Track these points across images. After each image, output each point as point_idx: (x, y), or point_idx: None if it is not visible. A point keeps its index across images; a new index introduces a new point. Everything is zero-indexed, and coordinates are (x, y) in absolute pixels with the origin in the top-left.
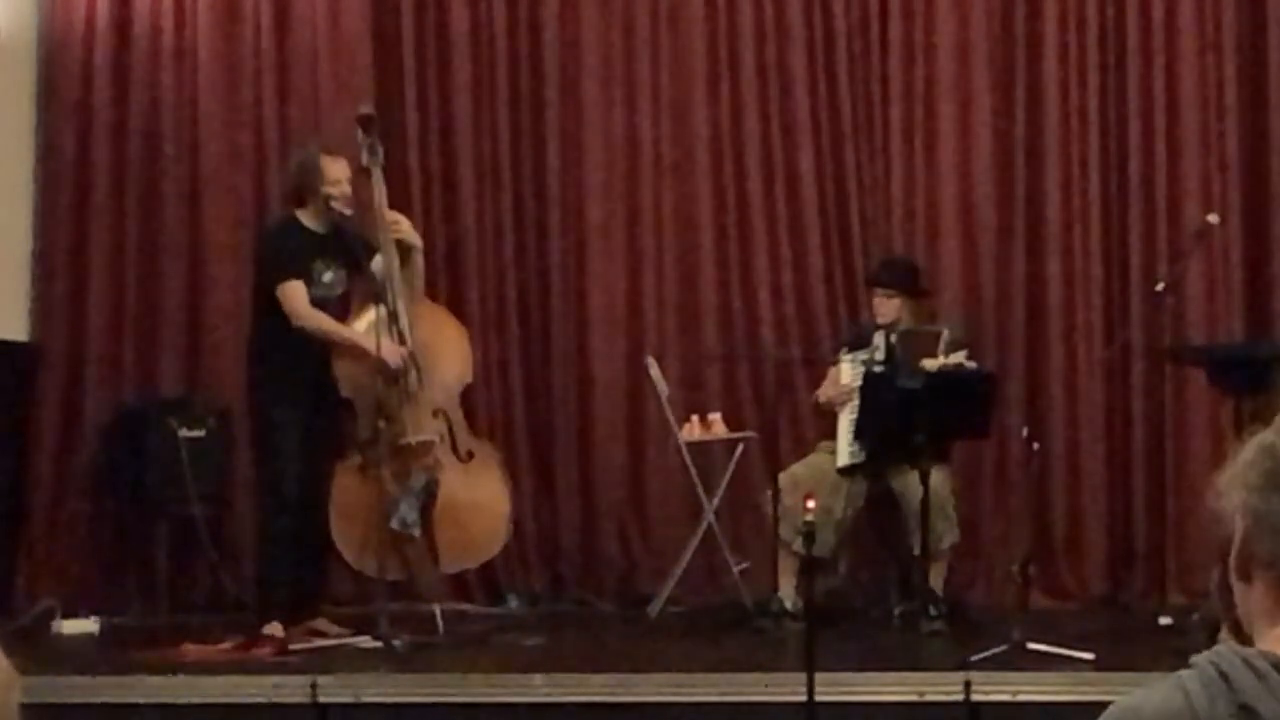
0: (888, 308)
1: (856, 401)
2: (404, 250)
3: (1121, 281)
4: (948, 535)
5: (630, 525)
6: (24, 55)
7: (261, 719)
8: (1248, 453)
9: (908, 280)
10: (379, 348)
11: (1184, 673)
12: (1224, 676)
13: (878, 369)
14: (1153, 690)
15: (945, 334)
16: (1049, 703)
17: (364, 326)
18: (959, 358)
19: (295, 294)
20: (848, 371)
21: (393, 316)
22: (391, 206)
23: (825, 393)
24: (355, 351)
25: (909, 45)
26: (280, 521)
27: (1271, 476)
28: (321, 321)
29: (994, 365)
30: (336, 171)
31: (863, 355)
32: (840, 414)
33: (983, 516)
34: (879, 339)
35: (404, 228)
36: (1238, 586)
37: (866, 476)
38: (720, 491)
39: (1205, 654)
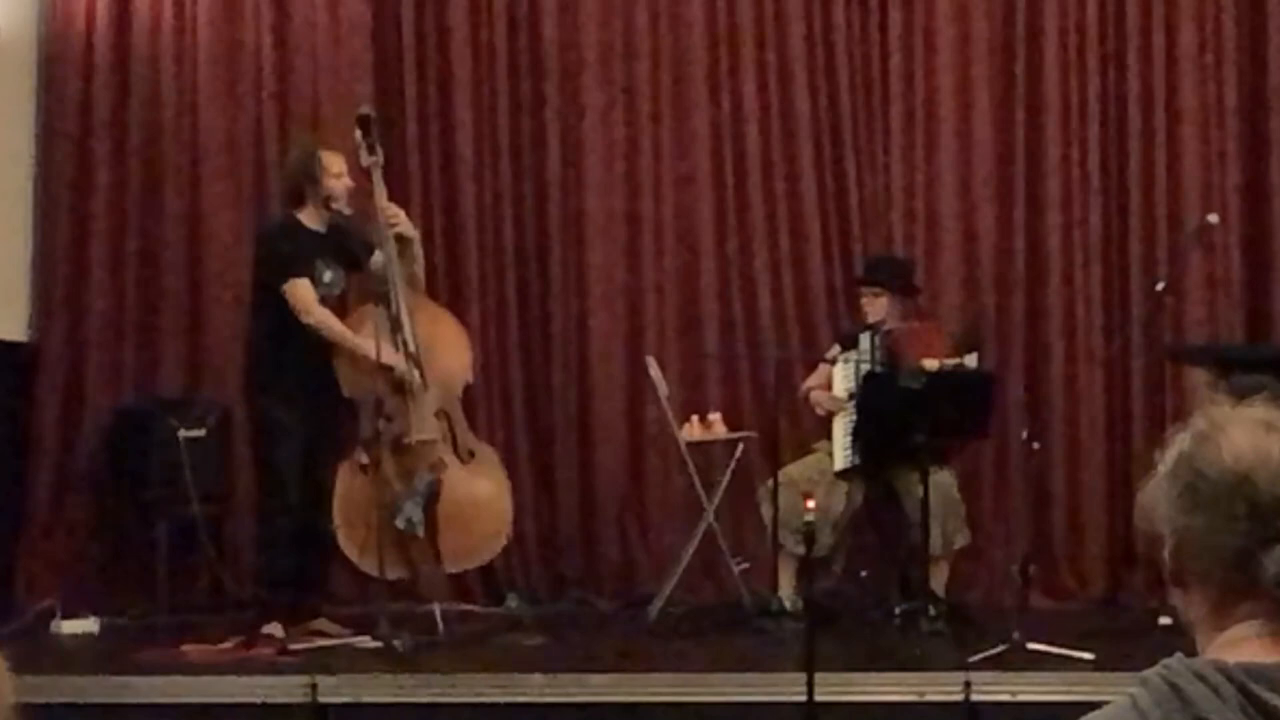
0: (874, 307)
1: (851, 404)
2: (401, 242)
3: (1121, 281)
4: (958, 536)
5: (630, 525)
6: (24, 55)
7: (262, 719)
8: (1167, 464)
9: (893, 279)
10: (379, 353)
11: (1135, 689)
12: (1176, 690)
13: (865, 368)
14: (1106, 709)
15: (956, 334)
16: (1049, 703)
17: (368, 334)
18: (971, 360)
19: (303, 291)
20: (840, 373)
21: (395, 324)
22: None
23: (815, 390)
24: (356, 352)
25: (909, 46)
26: (280, 521)
27: (1192, 493)
28: (330, 321)
29: (994, 365)
30: (338, 165)
31: (853, 355)
32: (834, 419)
33: (983, 516)
34: (865, 340)
35: (400, 220)
36: (1175, 594)
37: (865, 477)
38: (720, 491)
39: (1156, 668)
